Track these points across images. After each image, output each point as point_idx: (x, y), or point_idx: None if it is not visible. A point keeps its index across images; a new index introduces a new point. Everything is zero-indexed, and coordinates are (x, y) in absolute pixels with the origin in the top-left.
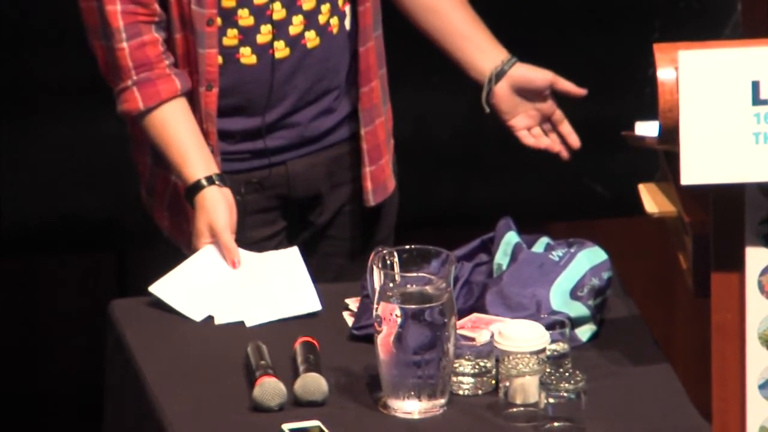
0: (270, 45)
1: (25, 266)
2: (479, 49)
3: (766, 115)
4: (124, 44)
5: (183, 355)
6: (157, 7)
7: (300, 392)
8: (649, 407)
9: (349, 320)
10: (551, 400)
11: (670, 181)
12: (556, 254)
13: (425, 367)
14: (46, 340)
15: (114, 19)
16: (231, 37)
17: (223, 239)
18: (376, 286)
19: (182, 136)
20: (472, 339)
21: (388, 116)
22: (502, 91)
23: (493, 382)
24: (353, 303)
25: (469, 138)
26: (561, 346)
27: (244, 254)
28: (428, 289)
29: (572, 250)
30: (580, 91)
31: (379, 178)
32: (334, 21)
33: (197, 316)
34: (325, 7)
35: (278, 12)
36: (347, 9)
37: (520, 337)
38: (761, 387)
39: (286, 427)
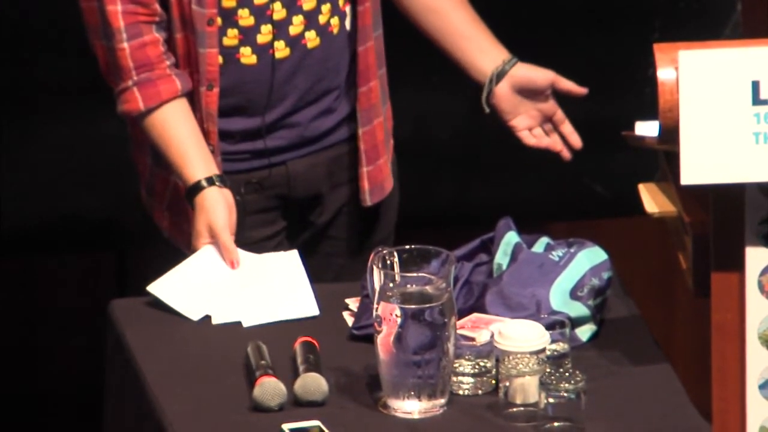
0: (270, 45)
1: (25, 266)
2: (480, 49)
3: (766, 115)
4: (125, 44)
5: (183, 355)
6: (157, 7)
7: (300, 392)
8: (649, 407)
9: (349, 320)
10: (551, 400)
11: (670, 181)
12: (556, 254)
13: (425, 367)
14: (46, 340)
15: (115, 19)
16: (231, 37)
17: (222, 239)
18: (376, 286)
19: (182, 136)
20: (472, 339)
21: (388, 116)
22: (503, 91)
23: (493, 382)
24: (353, 303)
25: (469, 138)
26: (561, 346)
27: (243, 255)
28: (428, 289)
29: (572, 250)
30: (581, 90)
31: (377, 178)
32: (335, 21)
33: (195, 316)
34: (326, 7)
35: (278, 12)
36: (348, 9)
37: (520, 337)
38: (761, 387)
39: (286, 427)
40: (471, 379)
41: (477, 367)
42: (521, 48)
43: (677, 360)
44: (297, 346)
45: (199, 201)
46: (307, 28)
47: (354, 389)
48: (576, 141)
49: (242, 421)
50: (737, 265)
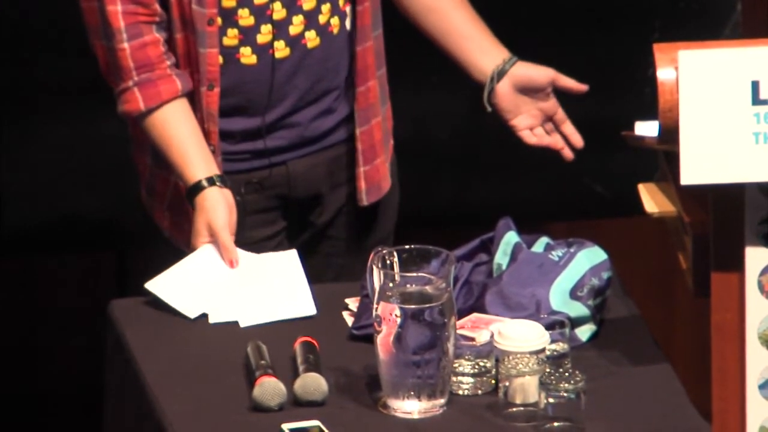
0: (270, 45)
1: (25, 266)
2: (480, 48)
3: (766, 114)
4: (125, 45)
5: (183, 355)
6: (158, 7)
7: (300, 392)
8: (649, 407)
9: (349, 320)
10: (551, 400)
11: (669, 181)
12: (555, 254)
13: (425, 367)
14: (46, 340)
15: (115, 20)
16: (231, 37)
17: (222, 238)
18: (376, 286)
19: (183, 136)
20: (472, 339)
21: (387, 116)
22: (503, 89)
23: (493, 382)
24: (353, 303)
25: (468, 138)
26: (561, 346)
27: (242, 254)
28: (428, 289)
29: (572, 250)
30: (582, 87)
31: (374, 178)
32: (335, 21)
33: (192, 314)
34: (326, 7)
35: (278, 12)
36: (348, 9)
37: (520, 337)
38: (761, 387)
39: (285, 427)
40: (471, 379)
41: (477, 367)
42: (521, 48)
43: (677, 360)
44: (297, 346)
45: (200, 201)
46: (307, 27)
47: (354, 389)
48: (578, 140)
49: (242, 421)
50: (737, 265)
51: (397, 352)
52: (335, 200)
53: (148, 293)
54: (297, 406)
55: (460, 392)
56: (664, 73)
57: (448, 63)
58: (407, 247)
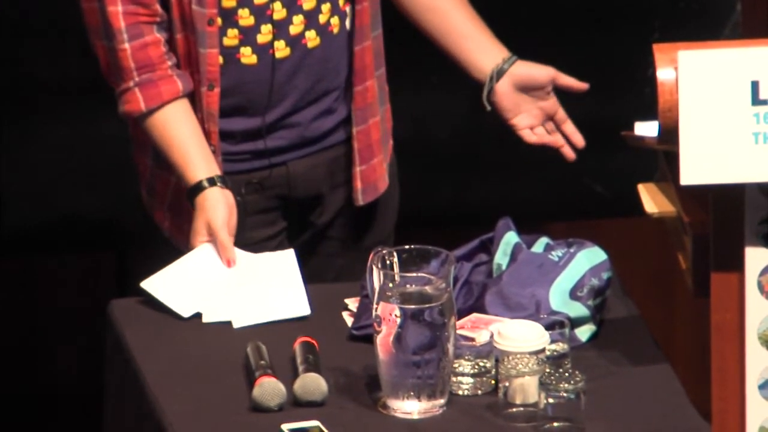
0: (270, 45)
1: (25, 266)
2: (480, 47)
3: (766, 115)
4: (126, 45)
5: (183, 355)
6: (158, 7)
7: (299, 392)
8: (649, 407)
9: (349, 320)
10: (551, 400)
11: (669, 181)
12: (555, 254)
13: (425, 367)
14: (46, 340)
15: (116, 20)
16: (231, 37)
17: (220, 237)
18: (376, 286)
19: (184, 137)
20: (472, 339)
21: (386, 116)
22: (503, 88)
23: (493, 382)
24: (353, 303)
25: (468, 138)
26: (560, 346)
27: (239, 254)
28: (428, 289)
29: (572, 250)
30: (582, 86)
31: (370, 177)
32: (335, 21)
33: (185, 313)
34: (326, 7)
35: (279, 12)
36: (348, 9)
37: (520, 337)
38: (761, 387)
39: (285, 427)
40: (471, 380)
41: (476, 367)
42: (521, 47)
43: (677, 360)
44: (296, 346)
45: (200, 201)
46: (307, 27)
47: (353, 389)
48: (579, 140)
49: (242, 421)
50: (737, 265)
51: (396, 352)
52: (335, 200)
53: (147, 295)
54: (297, 406)
55: (460, 392)
56: (663, 73)
57: (448, 63)
58: (407, 247)
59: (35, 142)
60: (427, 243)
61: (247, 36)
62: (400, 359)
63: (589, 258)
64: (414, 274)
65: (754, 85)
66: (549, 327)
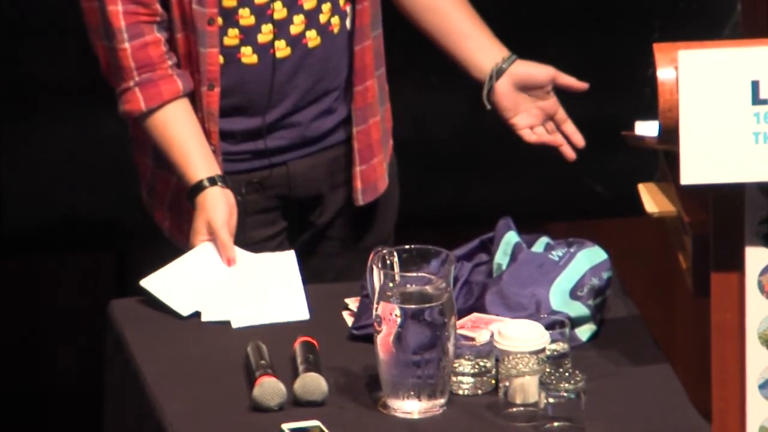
0: (271, 44)
1: (25, 266)
2: (479, 47)
3: (766, 114)
4: (126, 45)
5: (183, 355)
6: (158, 7)
7: (300, 392)
8: (649, 407)
9: (349, 320)
10: (551, 400)
11: (669, 181)
12: (555, 254)
13: (425, 366)
14: (46, 340)
15: (116, 20)
16: (232, 37)
17: (220, 236)
18: (376, 286)
19: (184, 136)
20: (472, 339)
21: (386, 116)
22: (503, 87)
23: (493, 382)
24: (353, 303)
25: (468, 138)
26: (561, 346)
27: (239, 254)
28: (428, 289)
29: (572, 250)
30: (582, 85)
31: (370, 177)
32: (335, 20)
33: (184, 311)
34: (326, 7)
35: (279, 11)
36: (348, 9)
37: (520, 337)
38: (761, 387)
39: (285, 427)
40: (471, 379)
41: (477, 367)
42: (521, 47)
43: (677, 360)
44: (297, 346)
45: (201, 200)
46: (307, 27)
47: (353, 389)
48: (579, 140)
49: (242, 421)
50: (737, 265)
51: (397, 352)
52: (335, 200)
53: (147, 294)
54: (297, 406)
55: (460, 392)
56: (664, 73)
57: (448, 63)
58: (407, 247)
59: (35, 142)
60: (427, 243)
61: (248, 36)
62: (400, 359)
63: (590, 258)
64: (414, 274)
65: (755, 85)
66: (549, 327)
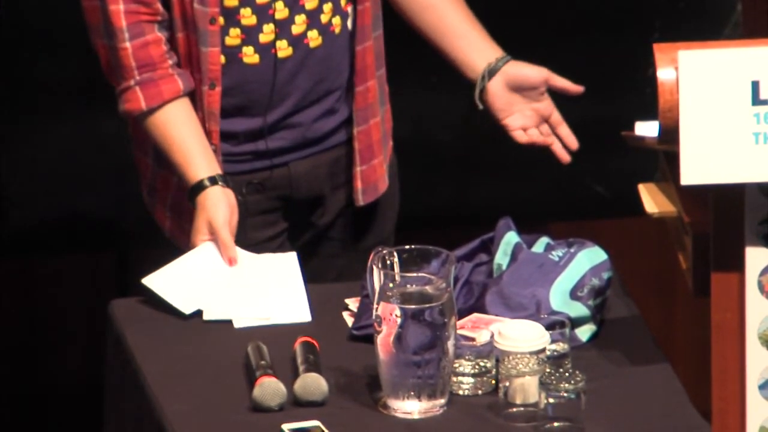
0: (272, 44)
1: (25, 266)
2: (473, 47)
3: (766, 115)
4: (127, 44)
5: (183, 355)
6: (159, 6)
7: (300, 392)
8: (649, 407)
9: (349, 320)
10: (551, 400)
11: (670, 181)
12: (556, 254)
13: (425, 367)
14: (46, 340)
15: (117, 19)
16: (233, 37)
17: (221, 236)
18: (376, 286)
19: (185, 136)
20: (472, 339)
21: (387, 117)
22: (496, 88)
23: (493, 382)
24: (353, 303)
25: (468, 138)
26: (561, 346)
27: (241, 254)
28: (428, 289)
29: (572, 250)
30: (577, 89)
31: (370, 178)
32: (337, 21)
33: (187, 309)
34: (328, 7)
35: (281, 11)
36: (349, 9)
37: (520, 337)
38: (761, 387)
39: (286, 427)
40: (471, 379)
41: (477, 367)
42: (520, 48)
43: (677, 360)
44: (297, 346)
45: (201, 200)
46: (309, 27)
47: (354, 389)
48: (572, 142)
49: (242, 421)
50: (737, 265)
51: (397, 352)
52: (336, 201)
53: (148, 293)
54: (297, 406)
55: (460, 392)
56: (664, 73)
57: (448, 63)
58: (407, 247)
59: (35, 142)
60: (428, 243)
61: (249, 35)
62: (400, 359)
63: (590, 258)
64: (414, 274)
65: (755, 85)
66: (549, 327)
